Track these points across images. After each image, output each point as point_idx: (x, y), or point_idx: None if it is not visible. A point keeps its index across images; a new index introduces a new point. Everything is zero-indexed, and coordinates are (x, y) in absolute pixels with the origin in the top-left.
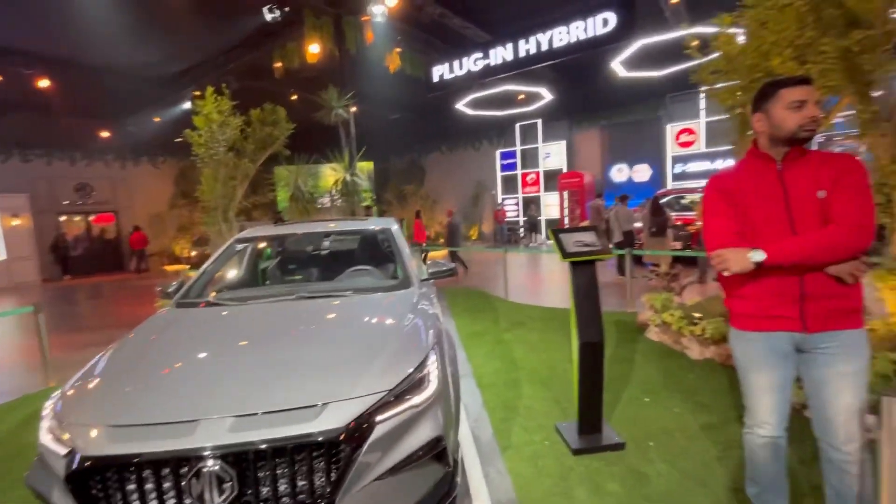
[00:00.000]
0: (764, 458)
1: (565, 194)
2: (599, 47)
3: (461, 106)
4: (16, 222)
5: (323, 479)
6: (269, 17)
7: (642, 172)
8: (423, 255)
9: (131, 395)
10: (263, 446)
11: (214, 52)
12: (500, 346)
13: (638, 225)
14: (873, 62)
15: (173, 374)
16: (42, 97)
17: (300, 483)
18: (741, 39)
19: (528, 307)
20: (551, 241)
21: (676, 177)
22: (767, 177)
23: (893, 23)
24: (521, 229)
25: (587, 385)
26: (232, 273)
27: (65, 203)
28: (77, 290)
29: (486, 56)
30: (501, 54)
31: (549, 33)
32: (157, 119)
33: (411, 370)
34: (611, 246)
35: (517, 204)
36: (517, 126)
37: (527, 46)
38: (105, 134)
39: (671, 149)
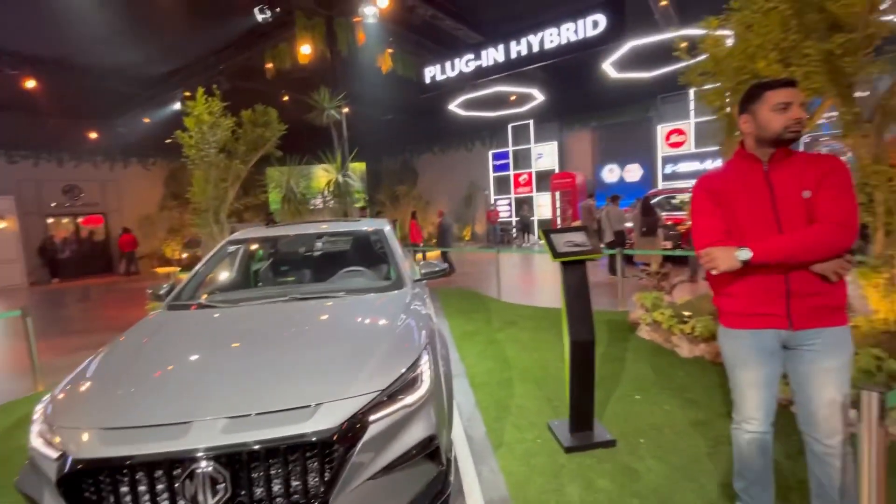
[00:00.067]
0: (751, 453)
1: (557, 195)
2: (590, 49)
3: (453, 107)
4: (2, 225)
5: (317, 479)
6: (259, 17)
7: (633, 172)
8: (421, 254)
9: (123, 398)
10: (257, 447)
11: (205, 52)
12: (492, 345)
13: (629, 225)
14: (854, 65)
15: (165, 376)
16: (29, 98)
17: (294, 483)
18: (730, 42)
19: (521, 307)
20: (543, 242)
21: (667, 177)
22: (754, 177)
23: (874, 26)
24: (514, 230)
25: (578, 383)
26: (224, 275)
27: (52, 205)
28: (65, 294)
29: (477, 57)
30: (493, 55)
31: (539, 35)
32: (146, 120)
33: (404, 370)
34: (602, 246)
35: (510, 204)
36: (509, 127)
37: (518, 48)
38: (94, 135)
39: (661, 149)
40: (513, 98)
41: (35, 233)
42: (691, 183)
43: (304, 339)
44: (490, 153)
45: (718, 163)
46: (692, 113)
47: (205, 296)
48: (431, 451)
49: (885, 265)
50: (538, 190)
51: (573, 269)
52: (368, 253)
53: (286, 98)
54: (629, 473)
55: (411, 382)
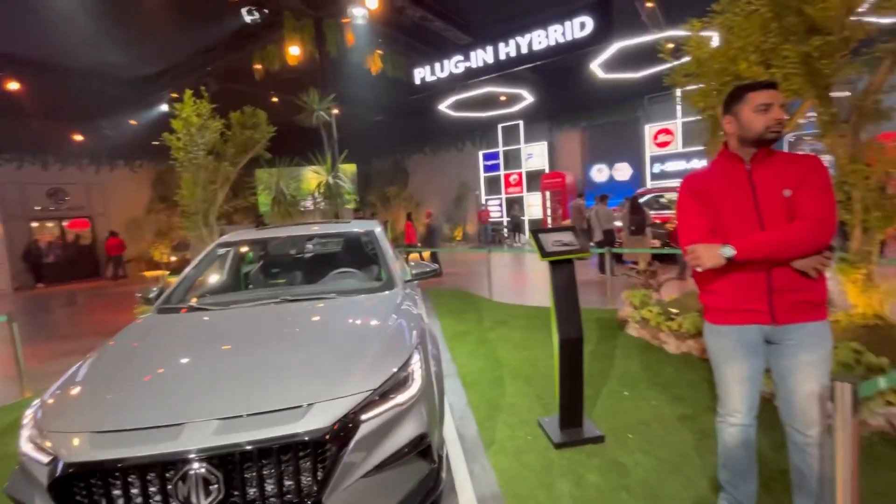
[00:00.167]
0: (735, 445)
1: (547, 194)
2: (577, 50)
3: (444, 107)
4: None
5: (309, 479)
6: (248, 18)
7: (623, 171)
8: (405, 255)
9: (114, 402)
10: (249, 447)
11: (192, 53)
12: (483, 345)
13: (618, 224)
14: (832, 67)
15: (156, 379)
16: (12, 99)
17: (287, 483)
18: (716, 43)
19: (512, 306)
20: (532, 241)
21: (655, 176)
22: (737, 176)
23: (850, 29)
24: (505, 229)
25: (568, 380)
26: (214, 278)
27: (37, 209)
28: (51, 299)
29: (466, 58)
30: (482, 57)
31: (528, 36)
32: (133, 122)
33: (395, 369)
34: (592, 244)
35: (500, 204)
36: (499, 127)
37: (507, 49)
38: (79, 137)
39: (649, 149)
40: (503, 98)
41: (19, 237)
42: (679, 182)
43: (296, 340)
44: (480, 153)
45: (705, 162)
46: (679, 113)
47: (195, 299)
48: (423, 449)
49: (862, 261)
50: (529, 190)
51: (561, 268)
52: (359, 254)
53: (275, 99)
54: (618, 468)
55: (403, 382)
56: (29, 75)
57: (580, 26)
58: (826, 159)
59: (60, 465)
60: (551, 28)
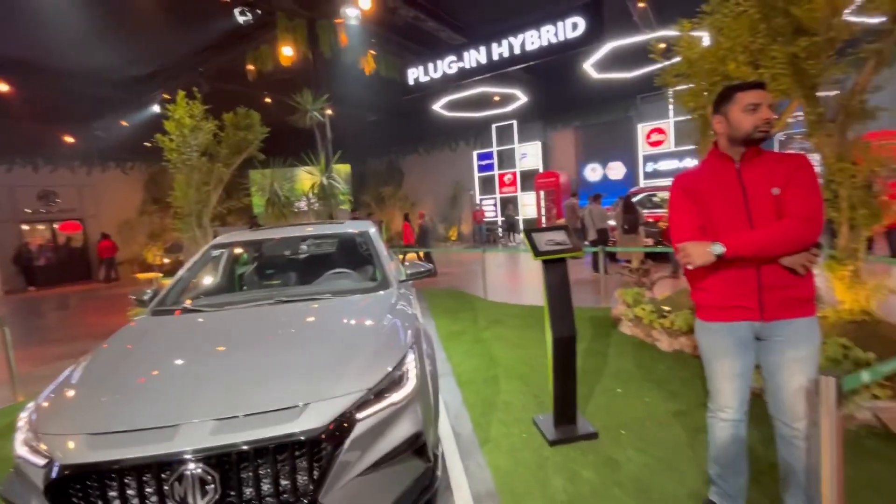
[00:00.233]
0: (725, 440)
1: (542, 194)
2: (570, 51)
3: (437, 108)
4: None
5: (305, 478)
6: (240, 19)
7: (617, 170)
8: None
9: (109, 404)
10: (245, 447)
11: (184, 54)
12: (478, 344)
13: (611, 223)
14: (818, 67)
15: (152, 380)
16: (1, 101)
17: (283, 483)
18: (707, 43)
19: (507, 305)
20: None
21: (648, 175)
22: (727, 175)
23: (835, 30)
24: (500, 229)
25: (561, 378)
26: (208, 279)
27: (27, 211)
28: (43, 302)
29: (460, 59)
30: (475, 57)
31: (520, 37)
32: (124, 123)
33: (390, 369)
34: (586, 243)
35: (495, 204)
36: (493, 127)
37: (500, 49)
38: (70, 139)
39: (642, 148)
40: (496, 98)
41: (9, 240)
42: (671, 181)
43: (291, 340)
44: (475, 153)
45: (696, 161)
46: (671, 112)
47: (189, 301)
48: (419, 447)
49: (849, 258)
50: (523, 189)
51: (554, 267)
52: (354, 255)
53: (268, 100)
54: (611, 464)
55: (398, 381)
56: (18, 76)
57: (572, 27)
58: (815, 158)
59: (56, 468)
60: (544, 28)
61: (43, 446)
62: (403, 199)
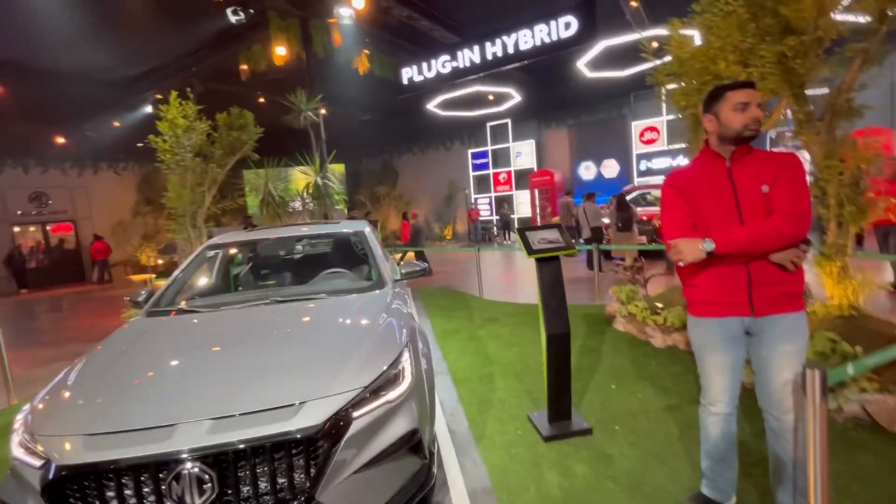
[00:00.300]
0: (716, 434)
1: (536, 192)
2: (563, 50)
3: (432, 107)
4: None
5: (302, 476)
6: (233, 19)
7: (610, 168)
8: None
9: (106, 404)
10: (242, 446)
11: (176, 54)
12: (474, 342)
13: (606, 221)
14: (806, 66)
15: (148, 381)
16: None
17: (280, 480)
18: (698, 42)
19: (502, 304)
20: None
21: (642, 173)
22: (718, 173)
23: (823, 30)
24: (495, 228)
25: (555, 375)
26: (204, 280)
27: (18, 213)
28: (35, 304)
29: (454, 58)
30: (469, 56)
31: (514, 36)
32: (116, 124)
33: (386, 367)
34: (581, 241)
35: (490, 203)
36: (488, 126)
37: (493, 49)
38: (61, 140)
39: (636, 146)
40: (491, 98)
41: (1, 242)
42: (664, 179)
43: (287, 340)
44: (469, 152)
45: (689, 159)
46: (664, 110)
47: (184, 301)
48: (414, 444)
49: (837, 254)
50: (518, 188)
51: (547, 265)
52: (349, 254)
53: (262, 100)
54: (605, 459)
55: (393, 379)
56: (7, 77)
57: (565, 26)
58: (805, 156)
59: (53, 468)
60: (537, 28)
61: (40, 447)
62: (398, 199)
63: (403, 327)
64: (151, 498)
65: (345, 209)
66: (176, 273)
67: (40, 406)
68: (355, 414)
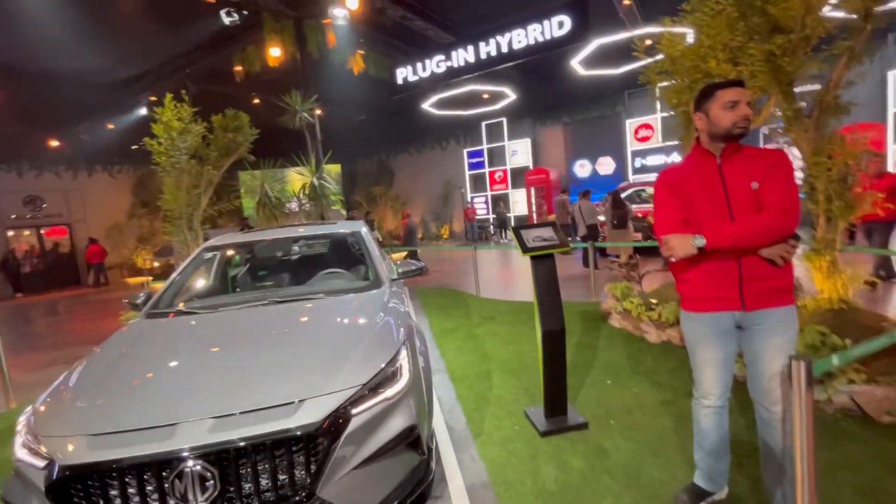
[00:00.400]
0: (709, 426)
1: (532, 190)
2: (556, 49)
3: (427, 106)
4: None
5: (303, 472)
6: (227, 20)
7: (606, 166)
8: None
9: (108, 405)
10: (243, 444)
11: (170, 56)
12: (471, 340)
13: (601, 218)
14: (794, 64)
15: (149, 381)
16: None
17: (281, 477)
18: (692, 40)
19: (499, 302)
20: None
21: (637, 170)
22: (709, 170)
23: (810, 28)
24: (491, 226)
25: (551, 371)
26: (202, 282)
27: (13, 217)
28: (31, 308)
29: (448, 58)
30: (463, 56)
31: (507, 36)
32: (111, 126)
33: (384, 365)
34: (578, 238)
35: (486, 201)
36: (483, 125)
37: (487, 48)
38: (55, 143)
39: (630, 143)
40: (485, 96)
41: None
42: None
43: (286, 339)
44: (465, 151)
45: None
46: (658, 108)
47: (183, 303)
48: (413, 440)
49: (826, 249)
50: (514, 186)
51: (542, 262)
52: (346, 254)
53: (257, 101)
54: (600, 453)
55: (391, 376)
56: (1, 80)
57: (558, 25)
58: (795, 152)
59: (57, 468)
60: (530, 27)
61: (43, 448)
62: (395, 199)
63: (401, 326)
64: (154, 496)
65: (341, 209)
66: (174, 275)
67: (42, 408)
68: (354, 411)
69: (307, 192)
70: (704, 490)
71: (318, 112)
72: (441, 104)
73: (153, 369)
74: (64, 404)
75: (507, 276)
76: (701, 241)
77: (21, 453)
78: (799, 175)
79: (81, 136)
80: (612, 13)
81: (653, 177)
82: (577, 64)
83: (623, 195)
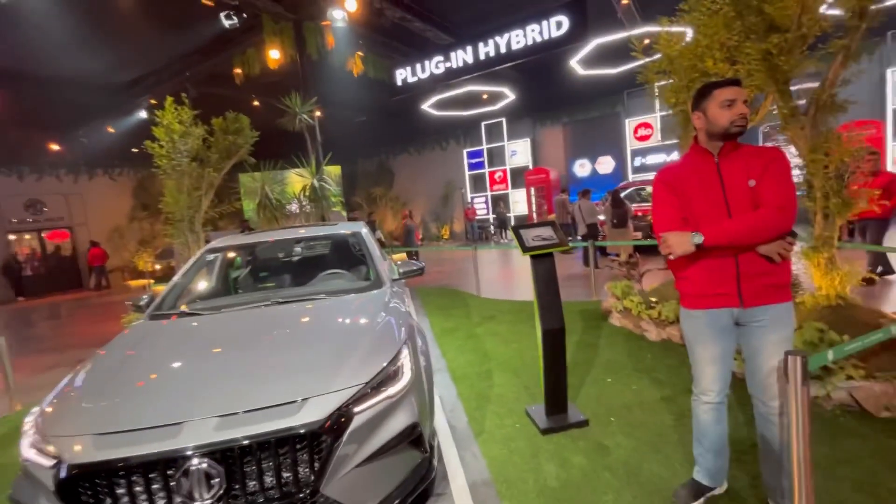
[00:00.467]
0: (708, 422)
1: (532, 190)
2: (555, 49)
3: (426, 107)
4: None
5: (307, 470)
6: (227, 23)
7: (605, 165)
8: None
9: (114, 405)
10: (248, 442)
11: (170, 59)
12: (472, 340)
13: (601, 217)
14: (790, 63)
15: (154, 382)
16: None
17: (285, 475)
18: (690, 38)
19: (499, 302)
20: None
21: (637, 169)
22: (707, 169)
23: (806, 27)
24: (492, 226)
25: (552, 369)
26: (204, 283)
27: (14, 221)
28: (33, 312)
29: (447, 59)
30: (462, 57)
31: (506, 36)
32: (111, 129)
33: (385, 364)
34: (579, 238)
35: (486, 202)
36: (483, 125)
37: (486, 49)
38: (55, 147)
39: (630, 143)
40: (485, 97)
41: None
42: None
43: (289, 339)
44: (465, 152)
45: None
46: (658, 107)
47: (185, 305)
48: (415, 438)
49: (824, 246)
50: (513, 186)
51: (542, 261)
52: (347, 255)
53: (256, 103)
54: (601, 449)
55: (393, 375)
56: (0, 84)
57: (556, 25)
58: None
59: (64, 468)
60: (529, 28)
61: (51, 448)
62: (395, 200)
63: (402, 325)
64: (161, 494)
65: (342, 211)
66: (177, 277)
67: (49, 409)
68: (357, 409)
69: (307, 193)
70: (704, 486)
71: (318, 114)
72: (440, 105)
73: (158, 370)
74: (70, 405)
75: (507, 275)
76: (699, 239)
77: (29, 453)
78: (797, 173)
79: (82, 140)
80: (610, 13)
81: (652, 176)
82: (576, 64)
83: (623, 194)
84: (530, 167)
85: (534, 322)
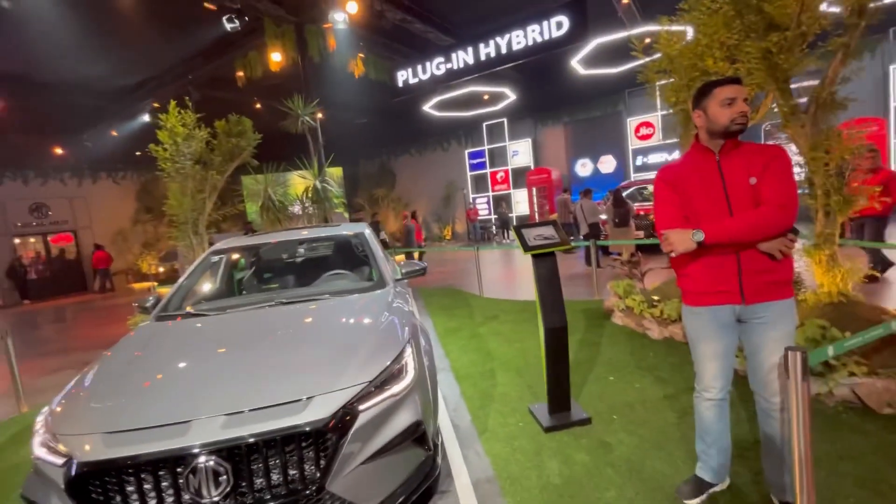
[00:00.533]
0: (710, 418)
1: (534, 190)
2: (555, 49)
3: (428, 108)
4: None
5: (313, 467)
6: (228, 27)
7: (607, 164)
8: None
9: (123, 404)
10: (254, 440)
11: (172, 63)
12: (475, 339)
13: (603, 217)
14: (790, 61)
15: (162, 381)
16: None
17: (291, 472)
18: (690, 38)
19: (502, 301)
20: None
21: (638, 168)
22: (708, 167)
23: (805, 26)
24: (494, 227)
25: (554, 367)
26: (209, 285)
27: (19, 225)
28: (38, 315)
29: (448, 60)
30: (463, 57)
31: (507, 36)
32: (114, 133)
33: (389, 362)
34: (581, 237)
35: (488, 202)
36: (484, 126)
37: (487, 50)
38: (59, 151)
39: (631, 142)
40: (486, 97)
41: (2, 254)
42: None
43: (293, 339)
44: (466, 152)
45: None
46: (659, 106)
47: (191, 306)
48: (419, 436)
49: (825, 243)
50: (515, 186)
51: (543, 260)
52: (350, 256)
53: (259, 106)
54: (604, 447)
55: (397, 373)
56: (4, 89)
57: (557, 25)
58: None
59: (75, 466)
60: (529, 28)
61: (61, 447)
62: (397, 201)
63: (405, 325)
64: (170, 491)
65: (344, 212)
66: (182, 279)
67: (59, 408)
68: (361, 407)
69: (310, 195)
70: (706, 482)
71: (320, 116)
72: (442, 106)
73: (165, 370)
74: (80, 404)
75: (509, 275)
76: (700, 236)
77: (40, 451)
78: (798, 170)
79: (85, 144)
80: (610, 12)
81: (654, 175)
82: (576, 63)
83: (624, 193)
84: (532, 167)
85: (536, 322)
